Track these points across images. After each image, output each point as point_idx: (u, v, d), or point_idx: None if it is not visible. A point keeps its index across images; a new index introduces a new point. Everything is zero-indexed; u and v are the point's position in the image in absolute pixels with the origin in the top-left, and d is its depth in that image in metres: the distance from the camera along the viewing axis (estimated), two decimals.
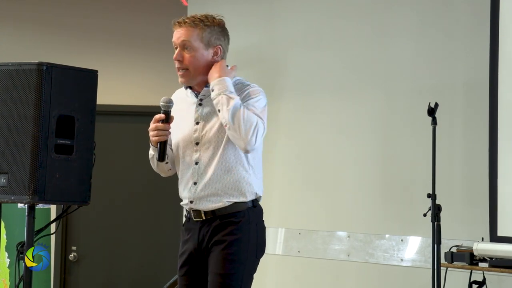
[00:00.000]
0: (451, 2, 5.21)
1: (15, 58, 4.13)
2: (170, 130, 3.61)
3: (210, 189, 3.57)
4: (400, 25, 5.43)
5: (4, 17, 7.46)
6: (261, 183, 3.66)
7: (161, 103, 3.57)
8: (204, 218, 3.59)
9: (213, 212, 3.57)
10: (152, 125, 3.58)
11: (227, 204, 3.56)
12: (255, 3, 6.22)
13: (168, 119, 3.57)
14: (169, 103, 3.57)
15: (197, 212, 3.61)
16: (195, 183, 3.60)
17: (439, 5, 5.26)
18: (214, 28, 3.62)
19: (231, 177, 3.56)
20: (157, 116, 3.57)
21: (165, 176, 3.87)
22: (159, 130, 3.55)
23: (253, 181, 3.59)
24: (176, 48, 3.62)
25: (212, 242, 3.56)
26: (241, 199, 3.57)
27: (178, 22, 3.61)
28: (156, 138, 3.57)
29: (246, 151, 3.52)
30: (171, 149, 3.74)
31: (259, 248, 3.60)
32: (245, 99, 3.56)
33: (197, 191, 3.59)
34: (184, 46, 3.60)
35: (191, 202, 3.62)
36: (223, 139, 3.56)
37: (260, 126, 3.50)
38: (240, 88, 3.61)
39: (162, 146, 3.59)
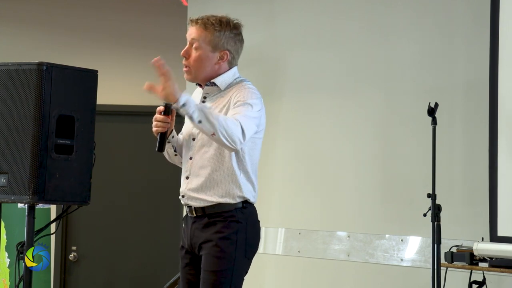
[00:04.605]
0: (451, 2, 5.20)
1: (15, 58, 4.13)
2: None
3: (199, 186, 3.59)
4: (400, 25, 5.43)
5: (4, 17, 7.46)
6: (253, 189, 3.64)
7: None
8: (195, 215, 3.62)
9: (203, 210, 3.59)
10: (155, 115, 3.63)
11: (214, 203, 3.57)
12: (255, 3, 6.22)
13: (167, 112, 3.59)
14: None
15: (190, 208, 3.65)
16: (187, 177, 3.64)
17: (439, 5, 5.25)
18: (224, 33, 3.63)
19: (219, 178, 3.56)
20: (158, 108, 3.62)
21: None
22: (158, 121, 3.60)
23: (243, 185, 3.58)
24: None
25: (202, 240, 3.59)
26: (228, 201, 3.57)
27: (191, 20, 3.67)
28: (155, 129, 3.61)
29: (234, 150, 3.48)
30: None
31: (249, 248, 3.60)
32: (236, 102, 3.55)
33: (187, 186, 3.64)
34: (192, 44, 3.65)
35: (182, 196, 3.66)
36: None
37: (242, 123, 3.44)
38: (236, 88, 3.61)
39: (161, 137, 3.61)
